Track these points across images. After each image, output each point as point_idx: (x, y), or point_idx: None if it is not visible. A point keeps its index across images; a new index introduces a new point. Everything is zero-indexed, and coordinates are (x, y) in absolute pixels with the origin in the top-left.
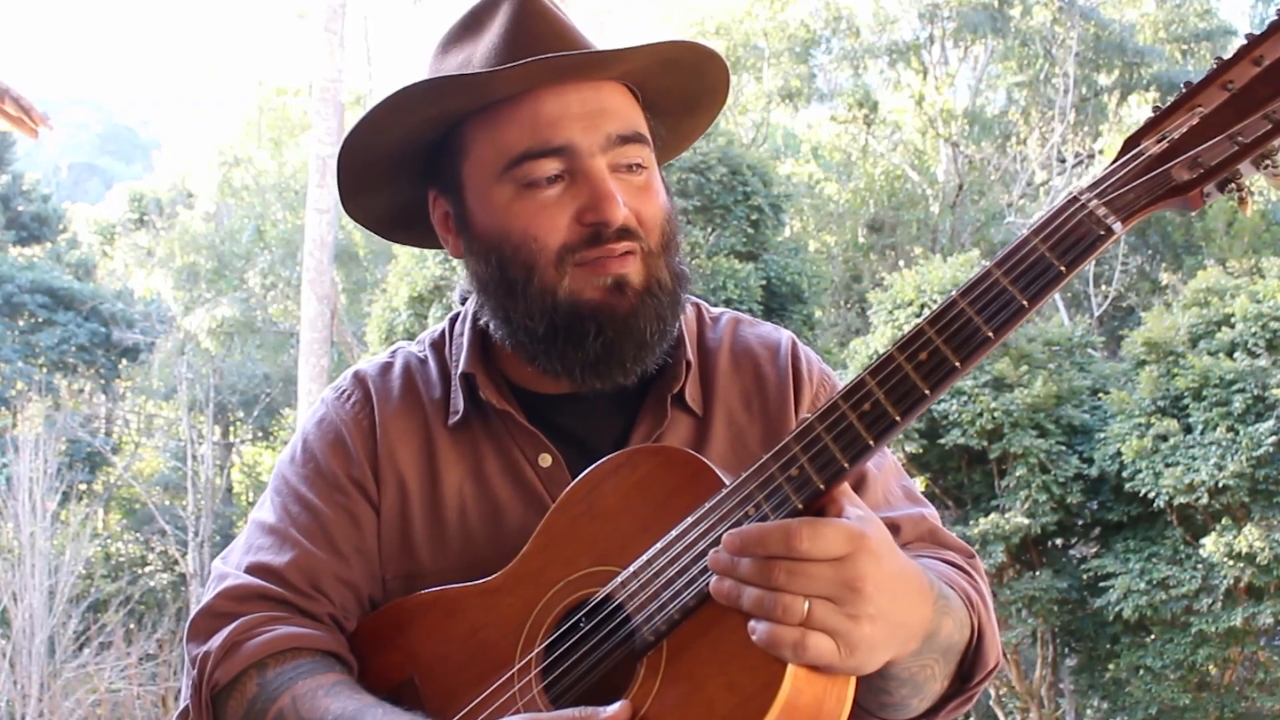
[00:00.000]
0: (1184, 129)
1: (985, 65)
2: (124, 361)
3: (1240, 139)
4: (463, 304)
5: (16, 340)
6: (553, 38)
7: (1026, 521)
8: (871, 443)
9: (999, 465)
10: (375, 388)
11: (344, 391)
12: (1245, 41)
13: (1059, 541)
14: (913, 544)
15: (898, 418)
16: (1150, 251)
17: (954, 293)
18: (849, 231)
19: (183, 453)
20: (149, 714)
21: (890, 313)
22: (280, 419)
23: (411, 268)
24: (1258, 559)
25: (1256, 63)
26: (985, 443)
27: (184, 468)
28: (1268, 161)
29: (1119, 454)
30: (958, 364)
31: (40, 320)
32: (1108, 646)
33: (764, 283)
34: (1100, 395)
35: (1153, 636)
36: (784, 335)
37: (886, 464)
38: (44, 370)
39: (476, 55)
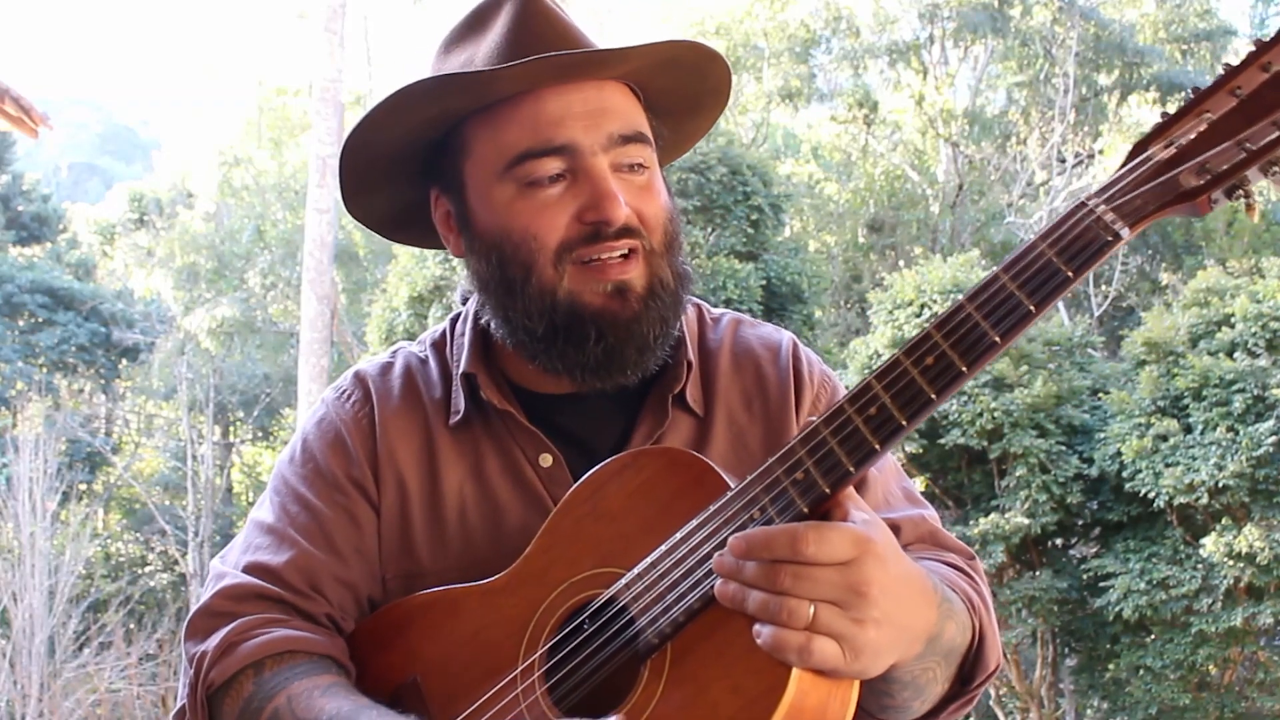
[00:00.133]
0: (1192, 135)
1: (985, 65)
2: (124, 361)
3: (1248, 145)
4: (464, 304)
5: (16, 340)
6: (555, 37)
7: (1026, 521)
8: (877, 447)
9: (999, 465)
10: (375, 388)
11: (344, 391)
12: (1254, 48)
13: (1059, 541)
14: (913, 545)
15: (904, 422)
16: (1150, 251)
17: (961, 297)
18: (849, 231)
19: (183, 453)
20: (149, 714)
21: (890, 313)
22: (280, 419)
23: (411, 268)
24: (1258, 559)
25: (1265, 69)
26: (985, 443)
27: (184, 468)
28: (1276, 168)
29: (1119, 454)
30: (964, 369)
31: (40, 320)
32: (1108, 646)
33: (764, 283)
34: (1100, 395)
35: (1153, 636)
36: (785, 336)
37: (887, 465)
38: (44, 370)
39: (479, 54)
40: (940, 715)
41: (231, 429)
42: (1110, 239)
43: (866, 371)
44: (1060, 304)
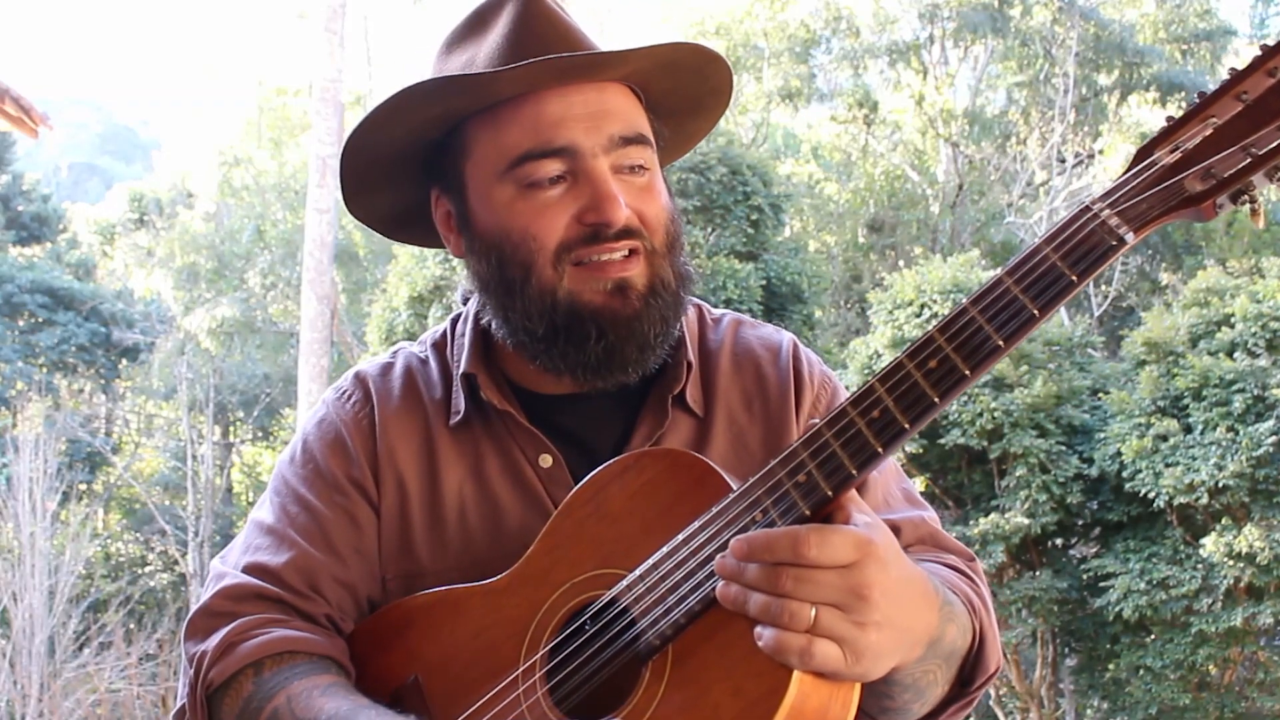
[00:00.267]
0: (1197, 139)
1: (985, 65)
2: (124, 361)
3: (1254, 150)
4: (464, 304)
5: (16, 340)
6: (556, 39)
7: (1026, 521)
8: (880, 450)
9: (999, 465)
10: (376, 388)
11: (344, 392)
12: (1259, 52)
13: (1059, 541)
14: (913, 547)
15: (906, 425)
16: (1150, 251)
17: (964, 300)
18: (849, 231)
19: (183, 453)
20: (149, 714)
21: (890, 313)
22: (280, 419)
23: (411, 268)
24: (1258, 559)
25: (1271, 74)
26: (985, 443)
27: (184, 468)
28: None
29: (1119, 454)
30: (967, 372)
31: (40, 320)
32: (1108, 646)
33: (764, 283)
34: (1100, 395)
35: (1153, 636)
36: (785, 337)
37: (887, 467)
38: (44, 370)
39: (480, 56)
40: (940, 717)
41: (231, 429)
42: (1115, 244)
43: (867, 372)
44: (1061, 305)
